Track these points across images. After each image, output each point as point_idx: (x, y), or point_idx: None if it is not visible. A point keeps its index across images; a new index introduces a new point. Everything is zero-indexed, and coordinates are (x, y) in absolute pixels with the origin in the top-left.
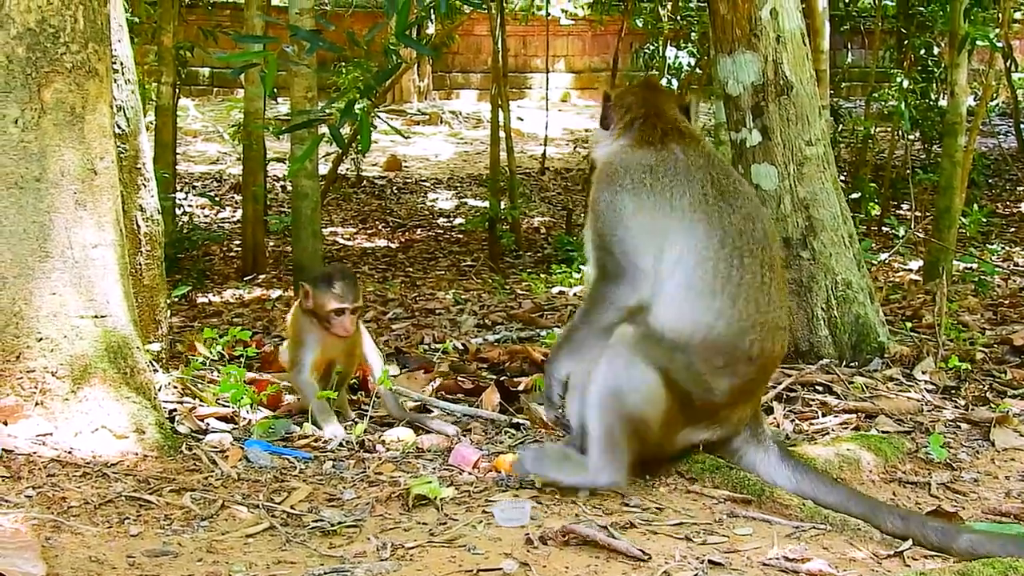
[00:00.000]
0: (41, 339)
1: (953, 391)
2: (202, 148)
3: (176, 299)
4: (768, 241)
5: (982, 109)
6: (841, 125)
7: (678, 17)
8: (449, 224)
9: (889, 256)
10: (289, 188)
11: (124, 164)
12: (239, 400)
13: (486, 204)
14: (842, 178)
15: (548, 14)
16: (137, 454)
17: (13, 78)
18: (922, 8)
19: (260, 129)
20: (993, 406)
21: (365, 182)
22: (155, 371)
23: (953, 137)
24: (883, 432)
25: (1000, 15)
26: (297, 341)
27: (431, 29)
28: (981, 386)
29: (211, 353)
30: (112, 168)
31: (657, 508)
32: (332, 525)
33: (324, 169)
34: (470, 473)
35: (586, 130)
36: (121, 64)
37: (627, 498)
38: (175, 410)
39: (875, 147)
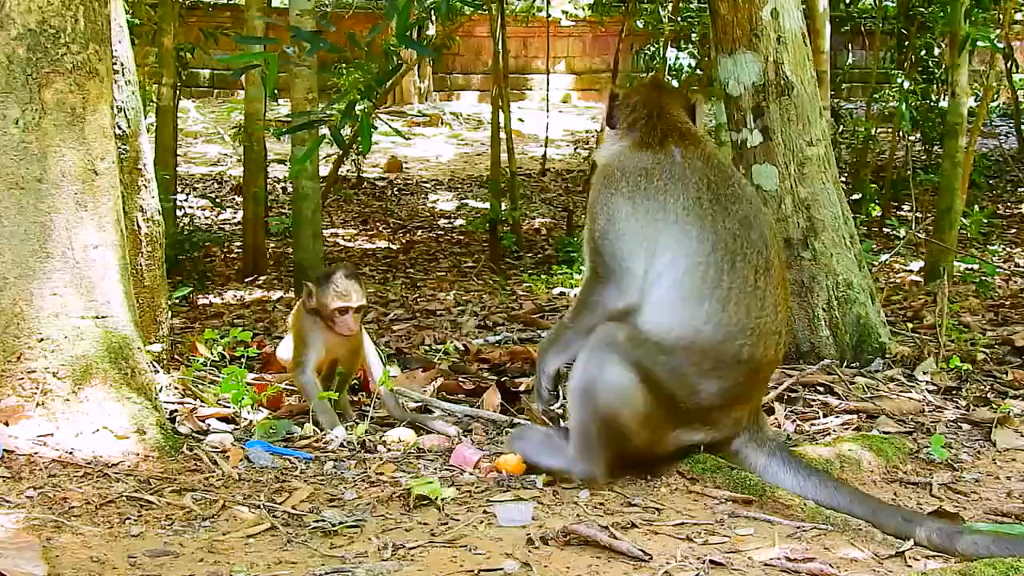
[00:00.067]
0: (42, 340)
1: (954, 392)
2: (203, 149)
3: (177, 300)
4: (765, 246)
5: (983, 110)
6: (842, 126)
7: (679, 18)
8: (450, 225)
9: (890, 257)
10: (290, 189)
11: (125, 165)
12: (240, 401)
13: (487, 205)
14: (843, 179)
15: (549, 15)
16: (138, 454)
17: (14, 78)
18: (923, 9)
19: (261, 130)
20: (994, 407)
21: (366, 183)
22: (156, 372)
23: (954, 138)
24: (884, 432)
25: (1001, 16)
26: (300, 340)
27: (432, 30)
28: (982, 387)
29: (212, 354)
30: (113, 169)
31: (658, 508)
32: (333, 525)
33: (325, 170)
34: (471, 473)
35: (587, 131)
36: (122, 65)
37: (628, 498)
38: (176, 411)
39: (876, 148)
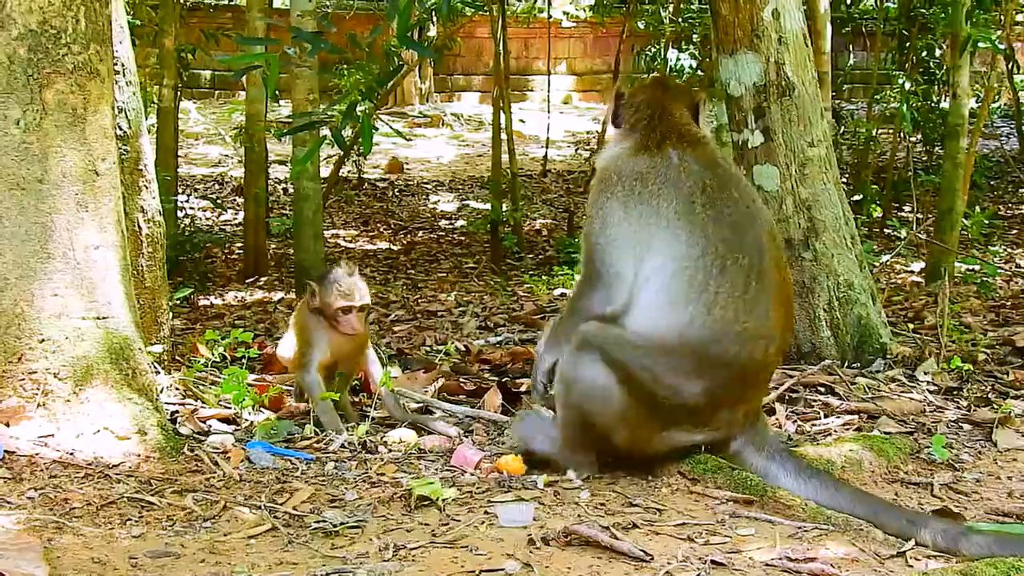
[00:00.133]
0: (43, 340)
1: (955, 392)
2: (204, 150)
3: (178, 301)
4: (759, 251)
5: (984, 111)
6: (843, 127)
7: (680, 19)
8: (451, 226)
9: (891, 258)
10: (291, 190)
11: (125, 166)
12: (241, 402)
13: (488, 206)
14: (844, 180)
15: (550, 16)
16: (139, 455)
17: (15, 79)
18: (924, 10)
19: (262, 131)
20: (995, 407)
21: (367, 184)
22: (157, 373)
23: (955, 139)
24: (885, 433)
25: (1002, 17)
26: (304, 341)
27: (432, 31)
28: (983, 387)
29: (213, 355)
30: (114, 169)
31: (659, 509)
32: (334, 526)
33: (326, 171)
34: (472, 474)
35: (588, 132)
36: (122, 66)
37: (629, 499)
38: (177, 412)
39: (877, 149)
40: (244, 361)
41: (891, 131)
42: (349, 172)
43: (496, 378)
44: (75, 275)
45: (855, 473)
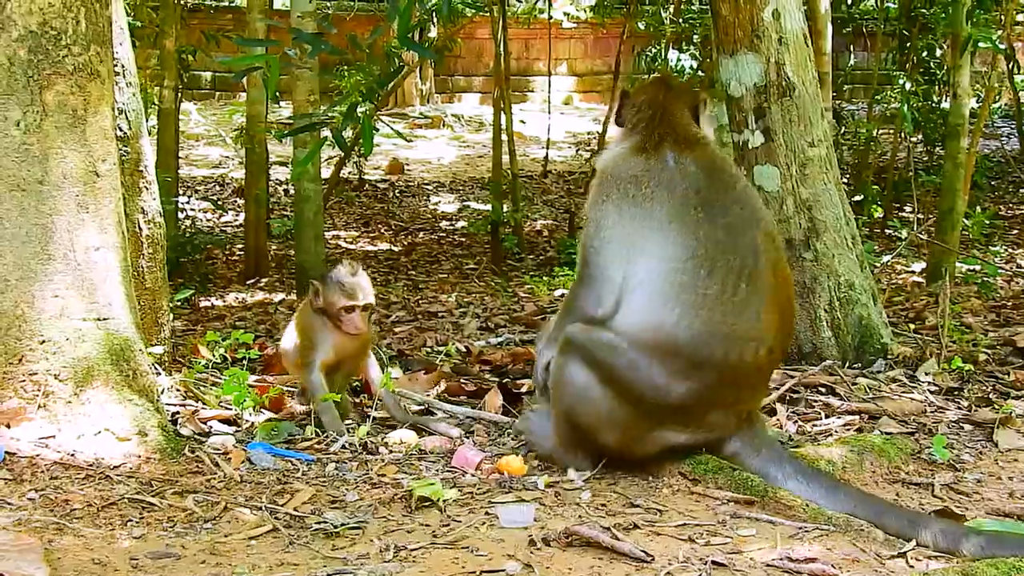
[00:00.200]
0: (44, 342)
1: (956, 392)
2: (204, 152)
3: (179, 303)
4: (753, 254)
5: (985, 111)
6: (844, 127)
7: (680, 19)
8: (452, 227)
9: (892, 258)
10: (292, 192)
11: (126, 167)
12: (242, 403)
13: (488, 207)
14: (845, 180)
15: (550, 17)
16: (140, 456)
17: (15, 80)
18: (924, 10)
19: (262, 133)
20: (996, 407)
21: (367, 185)
22: (158, 374)
23: (956, 139)
24: (886, 433)
25: (1002, 17)
26: (308, 341)
27: (433, 32)
28: (984, 387)
29: (214, 356)
30: (114, 171)
31: (660, 509)
32: (335, 527)
33: (327, 173)
34: (473, 475)
35: (588, 133)
36: (123, 67)
37: (630, 499)
38: (178, 413)
39: (878, 149)
40: (245, 362)
41: (892, 131)
42: (350, 173)
43: (497, 379)
44: (76, 276)
45: (856, 473)
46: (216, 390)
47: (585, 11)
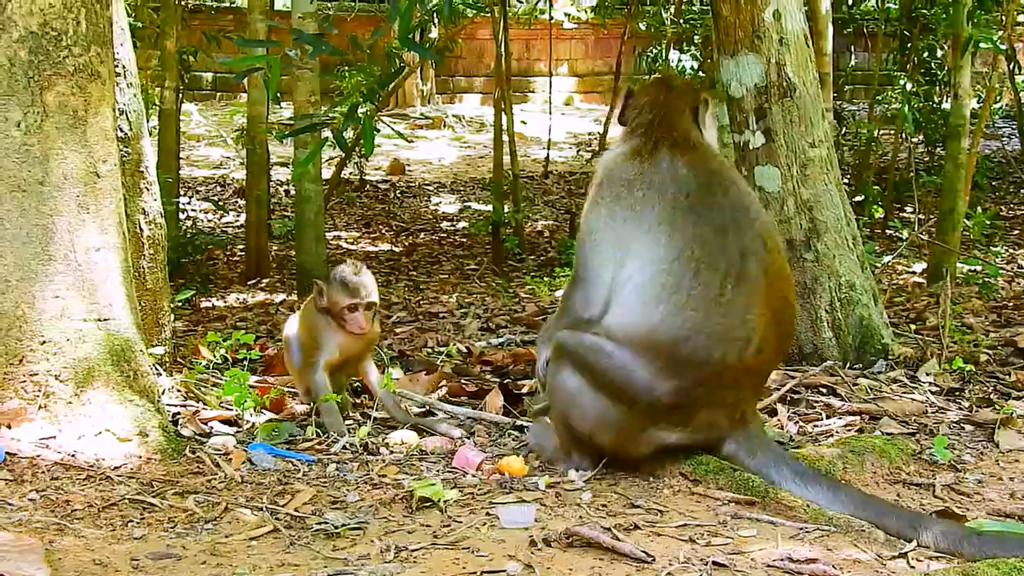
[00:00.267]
0: (44, 342)
1: (957, 393)
2: (205, 152)
3: (180, 303)
4: (741, 254)
5: (985, 112)
6: (844, 128)
7: (681, 20)
8: (452, 228)
9: (893, 258)
10: (292, 192)
11: (127, 168)
12: (243, 403)
13: (489, 208)
14: (845, 181)
15: (551, 18)
16: (140, 457)
17: (15, 81)
18: (925, 11)
19: (263, 133)
20: (997, 408)
21: (368, 186)
22: (159, 374)
23: (956, 140)
24: (887, 434)
25: (1003, 17)
26: (313, 340)
27: (434, 33)
28: (985, 388)
29: (214, 357)
30: (115, 171)
31: (661, 510)
32: (336, 527)
33: (327, 173)
34: (474, 476)
35: (589, 133)
36: (123, 68)
37: (631, 500)
38: (179, 413)
39: (878, 150)
40: (246, 363)
41: (893, 132)
42: (351, 174)
43: (498, 379)
44: (76, 277)
45: (857, 474)
46: (217, 391)
47: (586, 11)
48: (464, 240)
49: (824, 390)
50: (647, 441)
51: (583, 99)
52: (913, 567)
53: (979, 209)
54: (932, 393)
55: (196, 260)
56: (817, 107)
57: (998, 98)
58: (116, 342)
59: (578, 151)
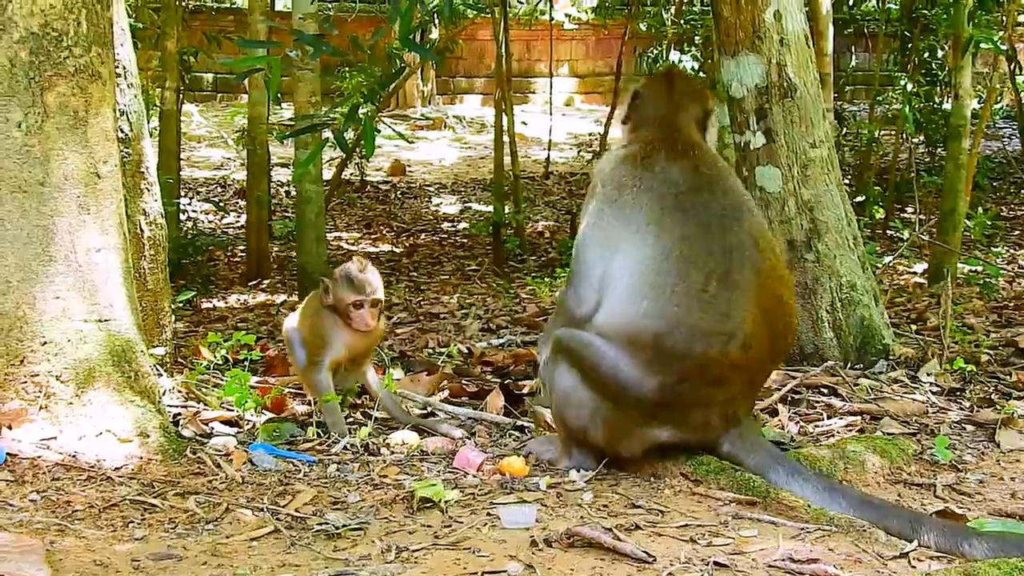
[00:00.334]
0: (45, 343)
1: (958, 393)
2: (206, 153)
3: (180, 304)
4: (727, 252)
5: (986, 112)
6: (845, 128)
7: (682, 20)
8: (453, 229)
9: (894, 259)
10: (293, 193)
11: (127, 168)
12: (243, 404)
13: (490, 208)
14: (846, 181)
15: (552, 19)
16: (141, 458)
17: (16, 82)
18: (926, 11)
19: (264, 134)
20: (998, 408)
21: (369, 187)
22: (159, 375)
23: (957, 140)
24: (888, 434)
25: (1004, 18)
26: (319, 340)
27: (435, 34)
28: (986, 388)
29: (215, 357)
30: (115, 172)
31: (662, 510)
32: (337, 528)
33: (328, 174)
34: (474, 476)
35: (590, 134)
36: (124, 68)
37: (632, 500)
38: (179, 414)
39: (879, 150)
40: (246, 364)
41: (893, 132)
42: (351, 175)
43: (498, 380)
44: (77, 278)
45: (858, 474)
46: (218, 391)
47: (586, 12)
48: (465, 241)
49: (825, 390)
50: (640, 439)
51: (584, 100)
52: (914, 567)
53: (980, 209)
54: (933, 393)
55: (197, 261)
56: (818, 107)
57: (999, 98)
58: (117, 343)
59: (579, 152)
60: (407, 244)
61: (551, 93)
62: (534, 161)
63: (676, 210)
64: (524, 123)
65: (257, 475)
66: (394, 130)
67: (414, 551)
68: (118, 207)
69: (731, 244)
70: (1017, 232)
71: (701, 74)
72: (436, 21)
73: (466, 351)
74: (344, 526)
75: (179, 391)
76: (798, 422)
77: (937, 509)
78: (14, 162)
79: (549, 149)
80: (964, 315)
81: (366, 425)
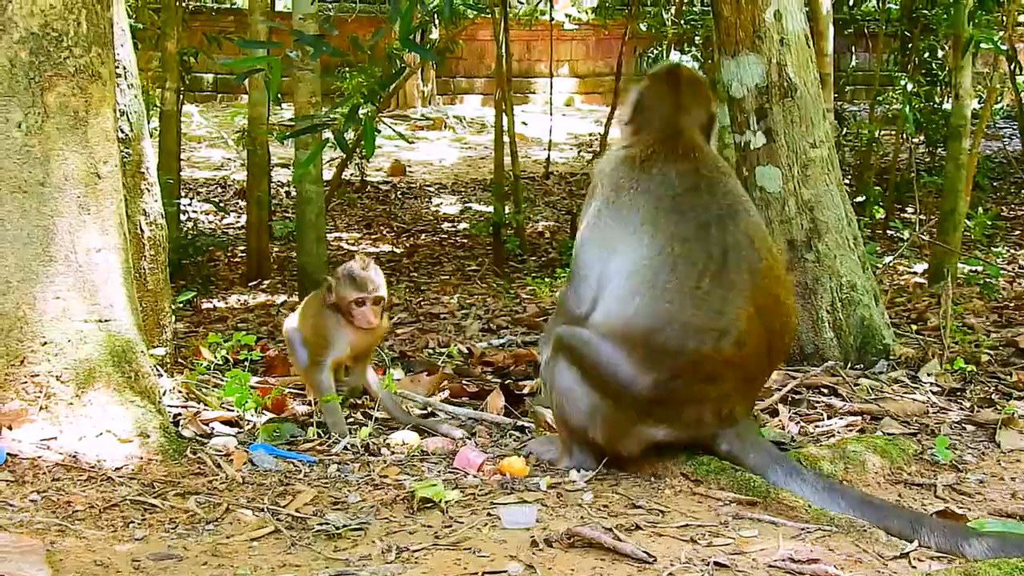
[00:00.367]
0: (45, 343)
1: (958, 393)
2: (206, 154)
3: (181, 304)
4: (722, 250)
5: (986, 112)
6: (845, 128)
7: (682, 21)
8: (453, 229)
9: (894, 259)
10: (293, 193)
11: (127, 169)
12: (244, 404)
13: (490, 209)
14: (847, 181)
15: (552, 19)
16: (142, 458)
17: (16, 82)
18: (926, 11)
19: (264, 134)
20: (998, 408)
21: (369, 187)
22: (160, 376)
23: (957, 140)
24: (888, 434)
25: (1004, 18)
26: (321, 339)
27: (435, 34)
28: (986, 388)
29: (215, 358)
30: (116, 172)
31: (662, 510)
32: (337, 528)
33: (328, 174)
34: (475, 476)
35: (590, 134)
36: (124, 69)
37: (632, 500)
38: (180, 414)
39: (879, 150)
40: (247, 364)
41: (893, 132)
42: (351, 175)
43: (499, 380)
44: (77, 278)
45: (858, 474)
46: (218, 392)
47: (587, 12)
48: (465, 241)
49: (825, 390)
50: (637, 437)
51: (584, 100)
52: (914, 567)
53: (980, 209)
54: (933, 393)
55: (197, 261)
56: (818, 107)
57: (999, 98)
58: (117, 343)
59: (579, 152)
60: (407, 244)
61: (551, 93)
62: (534, 161)
63: (672, 211)
64: (524, 123)
65: (257, 475)
66: (394, 130)
67: (414, 551)
68: (118, 207)
69: (727, 244)
70: (1017, 232)
71: (701, 74)
72: (436, 21)
73: (466, 351)
74: (344, 526)
75: (179, 391)
76: (798, 422)
77: (937, 509)
78: (14, 162)
79: (549, 149)
80: (964, 315)
81: (366, 425)
